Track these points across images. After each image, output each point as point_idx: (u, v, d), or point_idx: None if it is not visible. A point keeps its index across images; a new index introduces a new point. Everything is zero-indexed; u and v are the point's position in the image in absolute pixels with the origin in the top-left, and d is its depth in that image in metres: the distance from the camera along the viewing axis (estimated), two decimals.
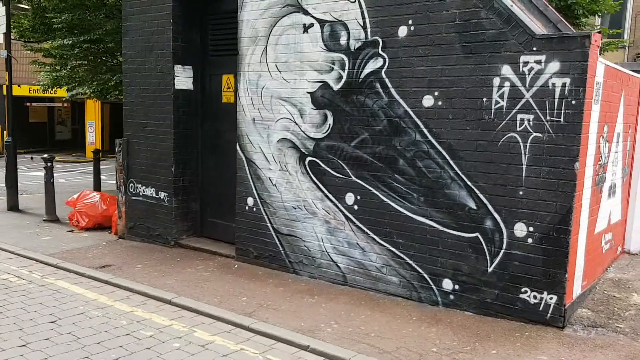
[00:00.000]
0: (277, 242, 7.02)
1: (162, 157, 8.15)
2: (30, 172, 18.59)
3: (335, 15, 6.26)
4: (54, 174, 10.34)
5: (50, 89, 13.59)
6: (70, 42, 11.26)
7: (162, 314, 5.73)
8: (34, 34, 13.22)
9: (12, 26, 11.84)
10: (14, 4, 12.48)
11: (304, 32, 6.52)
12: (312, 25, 6.45)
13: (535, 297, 5.22)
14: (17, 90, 18.16)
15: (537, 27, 5.35)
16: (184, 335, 5.16)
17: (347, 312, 5.70)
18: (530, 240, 5.21)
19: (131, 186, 8.64)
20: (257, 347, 4.94)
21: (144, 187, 8.46)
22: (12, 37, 11.47)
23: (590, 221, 5.58)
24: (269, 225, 7.07)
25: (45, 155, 10.34)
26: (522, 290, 5.29)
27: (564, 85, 4.95)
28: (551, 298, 5.14)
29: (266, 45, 6.88)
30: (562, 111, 4.98)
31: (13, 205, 11.24)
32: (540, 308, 5.21)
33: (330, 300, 6.06)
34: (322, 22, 6.37)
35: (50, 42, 12.76)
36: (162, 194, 8.23)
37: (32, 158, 22.96)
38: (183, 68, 8.05)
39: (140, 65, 8.32)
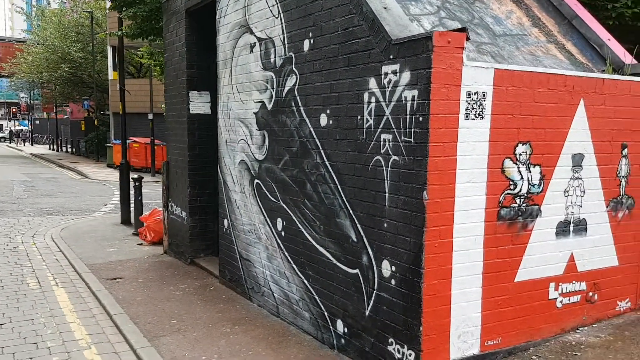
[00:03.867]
0: (240, 266, 7.36)
1: (182, 178, 9.13)
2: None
3: (267, 33, 6.47)
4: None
5: None
6: None
7: (91, 321, 6.66)
8: None
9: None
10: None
11: (250, 52, 6.85)
12: (254, 44, 6.75)
13: (398, 351, 4.70)
14: None
15: (415, 29, 4.83)
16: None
17: (244, 347, 5.81)
18: (393, 281, 4.72)
19: (170, 205, 9.82)
20: None
21: (176, 206, 9.56)
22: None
23: (492, 265, 4.75)
24: (235, 248, 7.47)
25: (135, 176, 12.23)
26: (389, 341, 4.80)
27: (413, 98, 4.44)
28: (410, 354, 4.57)
29: (231, 67, 7.36)
30: (412, 130, 4.46)
31: (125, 219, 13.44)
32: None
33: (245, 332, 6.22)
34: (260, 41, 6.62)
35: None
36: (183, 213, 9.20)
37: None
38: (199, 94, 8.94)
39: (172, 92, 9.48)
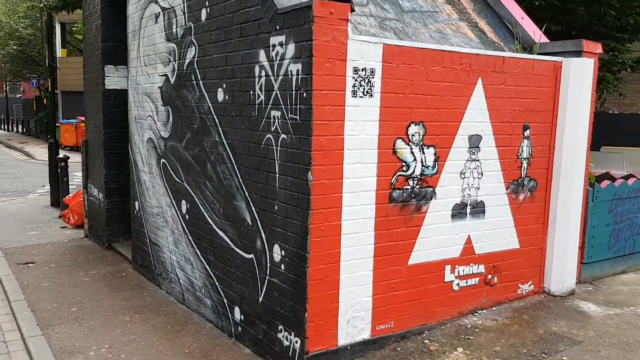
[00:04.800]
0: (150, 251, 7.05)
1: (98, 157, 8.71)
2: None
3: (170, 2, 6.10)
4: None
5: None
6: None
7: None
8: None
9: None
10: None
11: (155, 23, 6.47)
12: (159, 14, 6.38)
13: (287, 339, 4.49)
14: None
15: None
16: None
17: (140, 336, 5.51)
18: (283, 266, 4.50)
19: (89, 186, 9.39)
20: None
21: (94, 187, 9.14)
22: None
23: (384, 248, 4.57)
24: (145, 232, 7.15)
25: (61, 156, 11.70)
26: (279, 328, 4.59)
27: (297, 72, 4.18)
28: (297, 342, 4.38)
29: (139, 39, 6.97)
30: (298, 106, 4.20)
31: (55, 201, 12.85)
32: (290, 353, 4.46)
33: (145, 320, 5.92)
34: (164, 10, 6.25)
35: None
36: (100, 195, 8.80)
37: None
38: (115, 68, 8.48)
39: (89, 67, 9.01)
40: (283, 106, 4.35)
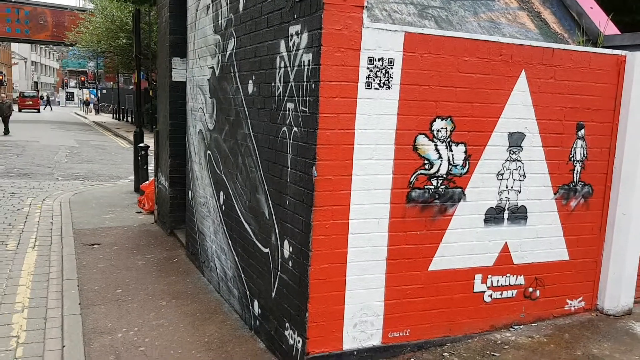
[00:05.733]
0: (197, 239, 7.16)
1: (165, 147, 9.00)
2: None
3: None
4: None
5: None
6: None
7: (42, 285, 6.63)
8: None
9: None
10: None
11: (206, 15, 6.53)
12: (209, 5, 6.42)
13: (291, 337, 4.35)
14: None
15: None
16: None
17: (168, 322, 5.61)
18: (290, 263, 4.36)
19: (159, 175, 9.74)
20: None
21: (162, 175, 9.46)
22: None
23: (399, 251, 4.28)
24: (195, 220, 7.27)
25: (142, 144, 12.25)
26: (286, 325, 4.46)
27: (309, 63, 4.01)
28: (299, 341, 4.22)
29: (195, 31, 7.08)
30: (307, 98, 4.04)
31: (137, 187, 13.50)
32: (293, 352, 4.32)
33: (179, 306, 6.01)
34: (213, 2, 6.29)
35: None
36: (166, 183, 9.09)
37: None
38: (182, 60, 8.69)
39: (160, 59, 9.33)
40: (296, 98, 4.20)
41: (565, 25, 5.69)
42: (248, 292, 5.32)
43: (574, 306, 5.12)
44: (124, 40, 33.41)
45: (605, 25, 5.37)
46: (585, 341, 4.69)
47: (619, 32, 5.46)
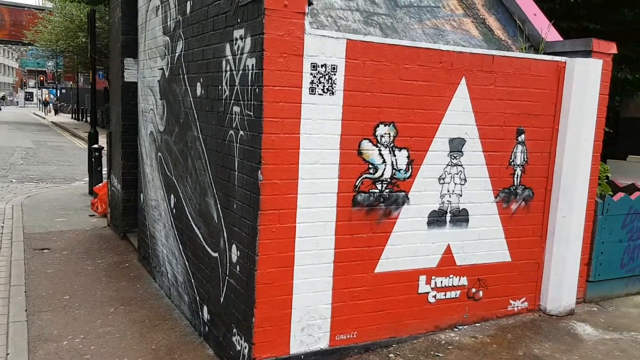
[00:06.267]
0: (149, 243, 7.07)
1: (117, 149, 8.85)
2: None
3: None
4: None
5: None
6: None
7: None
8: None
9: None
10: None
11: (156, 16, 6.46)
12: (159, 7, 6.36)
13: (239, 343, 4.34)
14: None
15: None
16: None
17: (115, 329, 5.50)
18: (238, 268, 4.35)
19: (111, 177, 9.58)
20: None
21: (114, 177, 9.31)
22: None
23: (346, 254, 4.32)
24: (147, 224, 7.17)
25: (95, 146, 12.03)
26: (234, 331, 4.44)
27: (252, 67, 4.01)
28: (246, 347, 4.21)
29: (145, 32, 6.99)
30: (252, 102, 4.03)
31: (91, 190, 13.25)
32: (240, 358, 4.30)
33: (127, 313, 5.91)
34: (162, 3, 6.22)
35: None
36: (119, 186, 8.94)
37: None
38: (134, 61, 8.57)
39: (112, 60, 9.18)
40: (242, 102, 4.19)
41: (509, 31, 5.82)
42: (198, 298, 5.28)
43: (517, 307, 5.24)
44: (83, 40, 32.77)
45: (547, 31, 5.51)
46: (527, 341, 4.81)
47: (561, 39, 5.61)
